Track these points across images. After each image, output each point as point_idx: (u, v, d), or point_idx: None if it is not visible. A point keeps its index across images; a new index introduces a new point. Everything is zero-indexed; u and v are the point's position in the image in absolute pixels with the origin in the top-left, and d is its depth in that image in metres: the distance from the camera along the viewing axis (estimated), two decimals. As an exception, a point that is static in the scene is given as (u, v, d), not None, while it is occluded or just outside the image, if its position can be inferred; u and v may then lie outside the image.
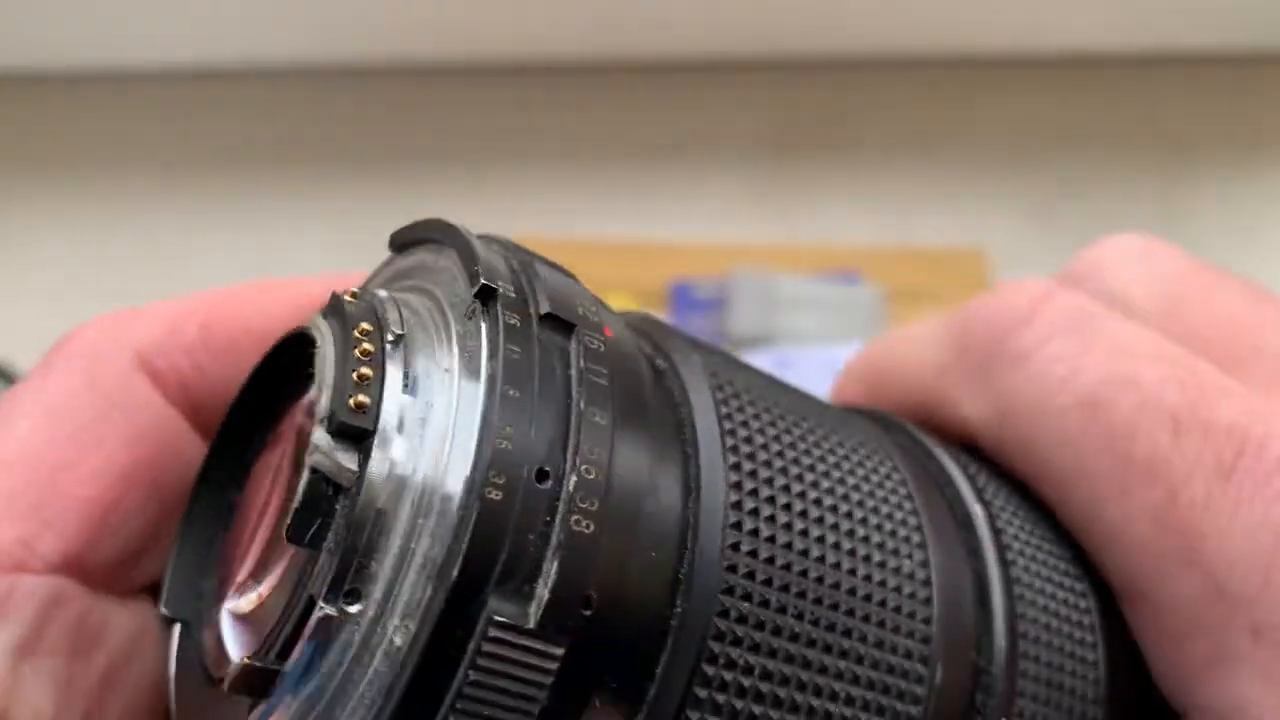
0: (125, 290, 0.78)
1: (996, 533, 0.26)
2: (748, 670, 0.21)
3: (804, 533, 0.22)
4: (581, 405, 0.20)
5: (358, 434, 0.20)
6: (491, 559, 0.18)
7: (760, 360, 0.36)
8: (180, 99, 0.82)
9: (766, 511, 0.22)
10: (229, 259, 0.78)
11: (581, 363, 0.20)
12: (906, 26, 0.78)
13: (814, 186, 0.79)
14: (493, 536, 0.19)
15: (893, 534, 0.24)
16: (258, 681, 0.20)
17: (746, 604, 0.21)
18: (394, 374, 0.20)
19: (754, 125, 0.80)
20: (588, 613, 0.19)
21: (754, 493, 0.22)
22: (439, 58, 0.81)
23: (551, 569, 0.19)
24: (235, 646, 0.22)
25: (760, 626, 0.21)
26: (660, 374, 0.24)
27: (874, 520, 0.24)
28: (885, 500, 0.25)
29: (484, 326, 0.20)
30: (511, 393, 0.19)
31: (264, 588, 0.22)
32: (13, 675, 0.23)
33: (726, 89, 0.81)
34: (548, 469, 0.19)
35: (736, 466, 0.22)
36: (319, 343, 0.22)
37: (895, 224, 0.77)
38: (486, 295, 0.21)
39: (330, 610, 0.19)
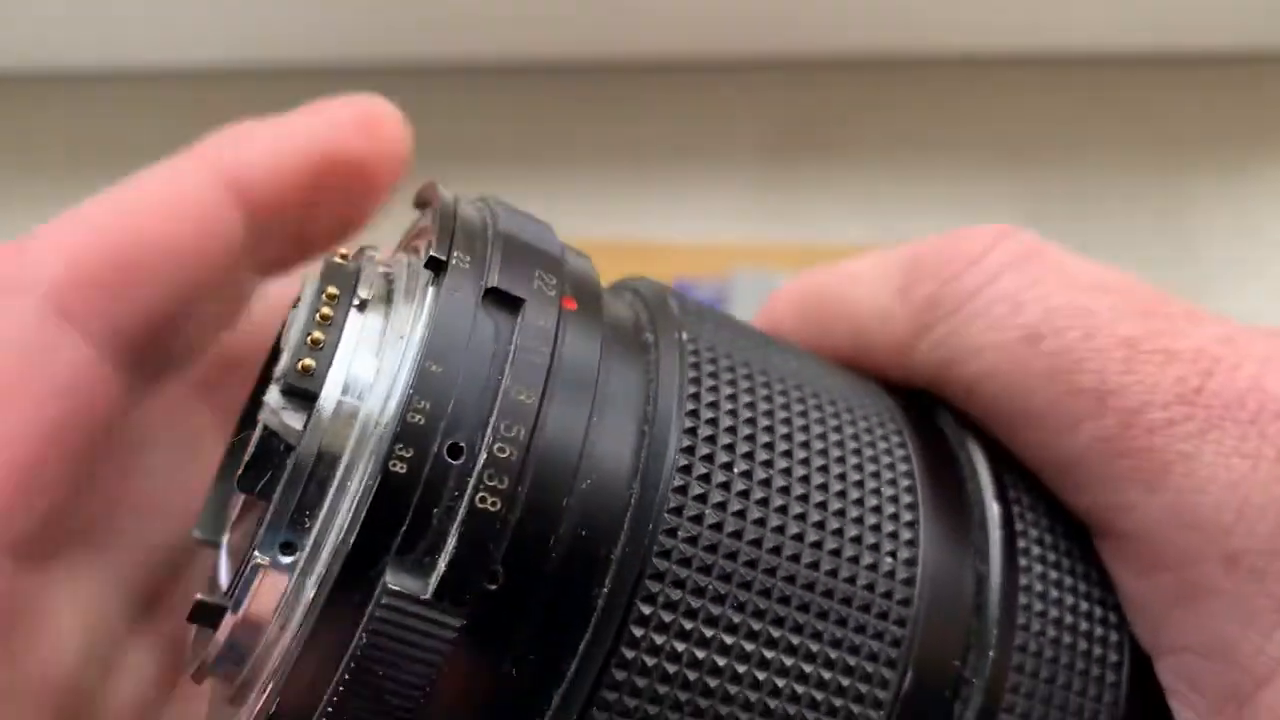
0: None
1: (1011, 535, 0.25)
2: (673, 656, 0.21)
3: (760, 521, 0.22)
4: (507, 382, 0.20)
5: (305, 395, 0.20)
6: (391, 529, 0.19)
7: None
8: (180, 99, 0.82)
9: (717, 498, 0.21)
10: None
11: (518, 340, 0.21)
12: (906, 26, 0.78)
13: (814, 186, 0.79)
14: (393, 507, 0.19)
15: (875, 527, 0.23)
16: (208, 616, 0.21)
17: (677, 591, 0.21)
18: (350, 339, 0.21)
19: (754, 125, 0.80)
20: (492, 587, 0.19)
21: (705, 477, 0.22)
22: (439, 58, 0.81)
23: (452, 543, 0.19)
24: (224, 577, 0.23)
25: (691, 614, 0.21)
26: (645, 348, 0.23)
27: (852, 512, 0.23)
28: (875, 491, 0.23)
29: (428, 298, 0.21)
30: (434, 368, 0.20)
31: (246, 525, 0.23)
32: None
33: (726, 89, 0.81)
34: (462, 444, 0.19)
35: (690, 449, 0.22)
36: (299, 302, 0.22)
37: (895, 224, 0.77)
38: (436, 267, 0.21)
39: (262, 559, 0.20)
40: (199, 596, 0.21)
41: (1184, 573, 0.24)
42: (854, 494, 0.23)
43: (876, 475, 0.24)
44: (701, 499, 0.21)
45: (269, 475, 0.20)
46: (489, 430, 0.20)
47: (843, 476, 0.23)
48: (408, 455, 0.19)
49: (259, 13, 0.77)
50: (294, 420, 0.20)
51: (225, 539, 0.24)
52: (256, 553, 0.20)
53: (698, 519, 0.21)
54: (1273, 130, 0.79)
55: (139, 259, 0.24)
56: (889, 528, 0.23)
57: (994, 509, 0.25)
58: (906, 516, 0.24)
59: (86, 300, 0.24)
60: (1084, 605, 0.25)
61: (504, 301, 0.21)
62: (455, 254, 0.21)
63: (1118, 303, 0.25)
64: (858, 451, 0.24)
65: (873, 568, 0.23)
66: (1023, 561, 0.25)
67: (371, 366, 0.21)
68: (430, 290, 0.21)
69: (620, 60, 0.80)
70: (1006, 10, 0.77)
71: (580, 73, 0.81)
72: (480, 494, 0.19)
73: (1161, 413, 0.24)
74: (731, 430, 0.22)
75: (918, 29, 0.79)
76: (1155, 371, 0.24)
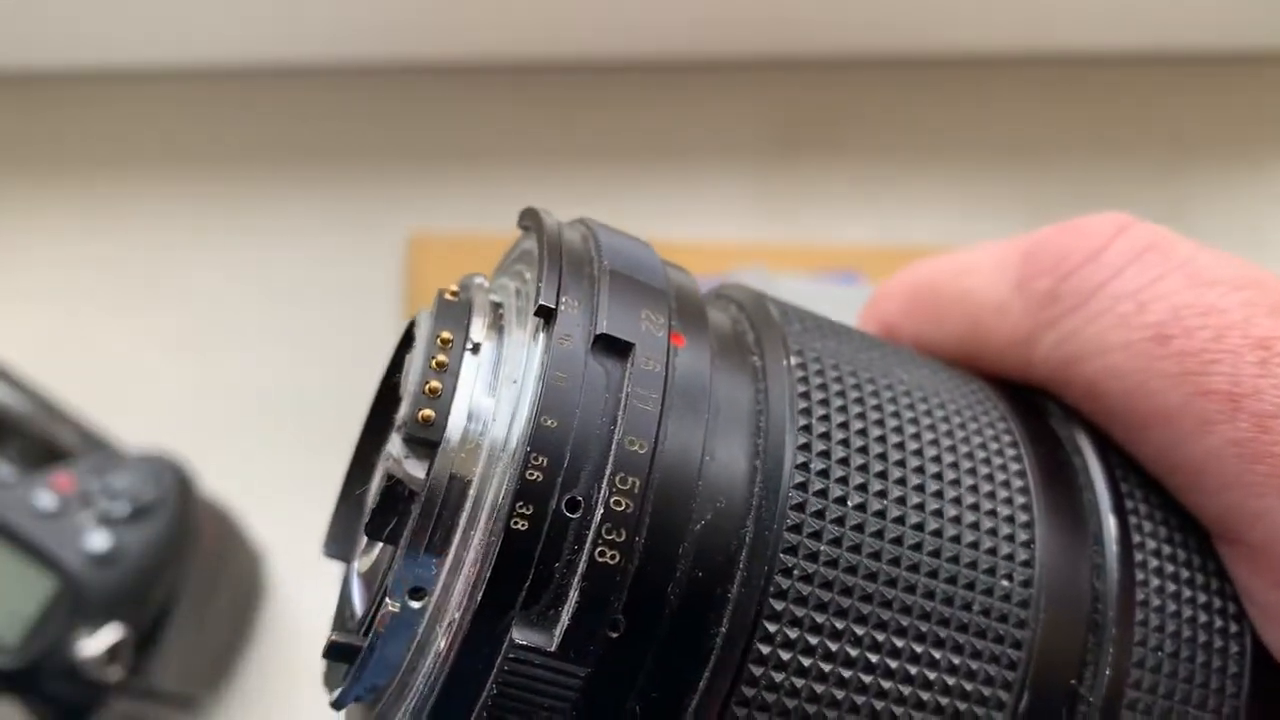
0: (125, 290, 0.78)
1: (1128, 548, 0.24)
2: (792, 692, 0.21)
3: (875, 554, 0.22)
4: (620, 434, 0.20)
5: (426, 443, 0.21)
6: (515, 585, 0.20)
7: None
8: (180, 99, 0.82)
9: (831, 533, 0.22)
10: (228, 258, 0.78)
11: (629, 387, 0.21)
12: (906, 26, 0.78)
13: (814, 186, 0.79)
14: (517, 564, 0.20)
15: (991, 551, 0.23)
16: (344, 653, 0.22)
17: (795, 629, 0.21)
18: (466, 386, 0.21)
19: (754, 125, 0.80)
20: (614, 635, 0.20)
21: (819, 513, 0.22)
22: (439, 58, 0.81)
23: (574, 596, 0.20)
24: (358, 601, 0.24)
25: (808, 651, 0.21)
26: (754, 374, 0.23)
27: (967, 537, 0.23)
28: (991, 513, 0.23)
29: (539, 349, 0.21)
30: (548, 422, 0.20)
31: (374, 553, 0.24)
32: None
33: (726, 89, 0.81)
34: (579, 498, 0.20)
35: (803, 485, 0.22)
36: (415, 345, 0.23)
37: (895, 224, 0.77)
38: (546, 315, 0.21)
39: (393, 606, 0.20)
40: (333, 636, 0.22)
41: None
42: (969, 518, 0.23)
43: (992, 495, 0.24)
44: (816, 535, 0.21)
45: (394, 521, 0.21)
46: (604, 484, 0.20)
47: (958, 500, 0.23)
48: (528, 513, 0.20)
49: (261, 12, 0.77)
50: (416, 469, 0.21)
51: (356, 565, 0.24)
52: (388, 600, 0.20)
53: (813, 556, 0.21)
54: (1273, 130, 0.79)
55: None
56: (1005, 550, 0.23)
57: (1110, 522, 0.24)
58: (1022, 536, 0.23)
59: None
60: (1203, 616, 0.25)
61: (613, 347, 0.21)
62: (563, 299, 0.21)
63: (1249, 299, 0.24)
64: (972, 471, 0.24)
65: (988, 592, 0.23)
66: (1139, 575, 0.24)
67: (488, 407, 0.21)
68: (541, 337, 0.21)
69: (620, 60, 0.80)
70: (1006, 10, 0.77)
71: (580, 73, 0.81)
72: (599, 548, 0.20)
73: None
74: (844, 462, 0.22)
75: (918, 29, 0.79)
76: None
